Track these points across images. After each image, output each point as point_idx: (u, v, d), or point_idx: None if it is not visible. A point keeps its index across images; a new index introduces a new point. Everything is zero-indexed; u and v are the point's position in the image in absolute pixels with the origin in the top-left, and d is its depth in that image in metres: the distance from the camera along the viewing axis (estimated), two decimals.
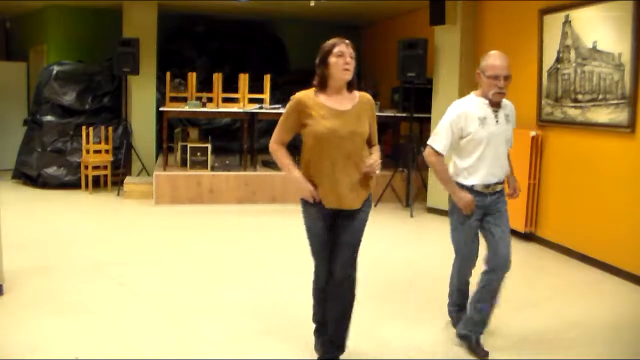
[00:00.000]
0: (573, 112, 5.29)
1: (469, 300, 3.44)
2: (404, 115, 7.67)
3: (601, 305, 4.17)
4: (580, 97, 5.20)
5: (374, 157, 2.91)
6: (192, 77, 7.81)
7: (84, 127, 7.91)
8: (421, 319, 3.78)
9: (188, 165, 7.42)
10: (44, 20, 9.39)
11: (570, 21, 5.28)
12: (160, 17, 8.40)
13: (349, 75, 2.85)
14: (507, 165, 3.36)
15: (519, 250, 5.61)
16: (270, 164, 7.91)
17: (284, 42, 10.91)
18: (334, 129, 2.82)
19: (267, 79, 7.95)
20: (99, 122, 8.25)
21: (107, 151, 8.04)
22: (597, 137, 5.05)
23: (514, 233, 5.92)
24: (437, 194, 7.14)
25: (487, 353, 3.25)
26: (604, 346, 3.46)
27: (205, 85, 8.22)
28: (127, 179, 7.71)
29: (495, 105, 3.23)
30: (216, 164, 7.48)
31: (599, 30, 4.96)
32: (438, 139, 3.24)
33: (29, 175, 8.19)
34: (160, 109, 7.56)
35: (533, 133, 5.68)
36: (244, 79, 7.81)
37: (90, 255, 4.98)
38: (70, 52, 9.16)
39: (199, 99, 7.71)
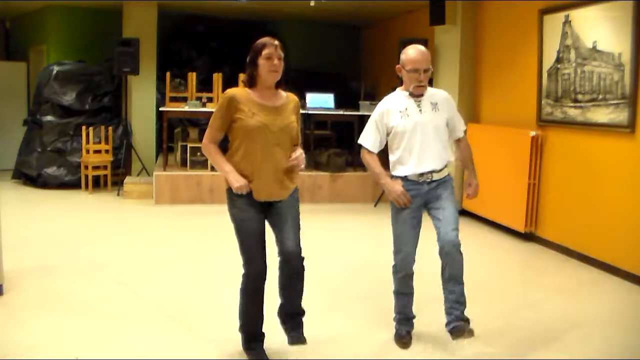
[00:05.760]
0: (573, 112, 5.29)
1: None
2: None
3: (601, 305, 4.17)
4: (580, 97, 5.20)
5: (299, 152, 3.03)
6: (192, 77, 7.81)
7: (84, 127, 7.90)
8: (421, 318, 3.78)
9: (188, 165, 7.42)
10: (44, 20, 9.39)
11: (570, 21, 5.28)
12: (160, 17, 8.40)
13: (276, 77, 2.99)
14: (444, 154, 3.31)
15: (519, 250, 5.63)
16: None
17: (284, 42, 10.85)
18: (265, 124, 2.93)
19: None
20: (99, 122, 8.24)
21: (107, 151, 8.04)
22: (597, 137, 5.05)
23: (514, 233, 5.95)
24: None
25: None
26: (603, 346, 3.46)
27: (205, 85, 8.22)
28: (127, 179, 7.71)
29: (418, 95, 3.29)
30: None
31: (599, 30, 4.96)
32: (365, 137, 3.34)
33: (29, 175, 8.19)
34: (160, 109, 7.55)
35: (533, 133, 5.67)
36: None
37: (90, 255, 4.98)
38: (70, 52, 9.16)
39: (199, 99, 7.70)
